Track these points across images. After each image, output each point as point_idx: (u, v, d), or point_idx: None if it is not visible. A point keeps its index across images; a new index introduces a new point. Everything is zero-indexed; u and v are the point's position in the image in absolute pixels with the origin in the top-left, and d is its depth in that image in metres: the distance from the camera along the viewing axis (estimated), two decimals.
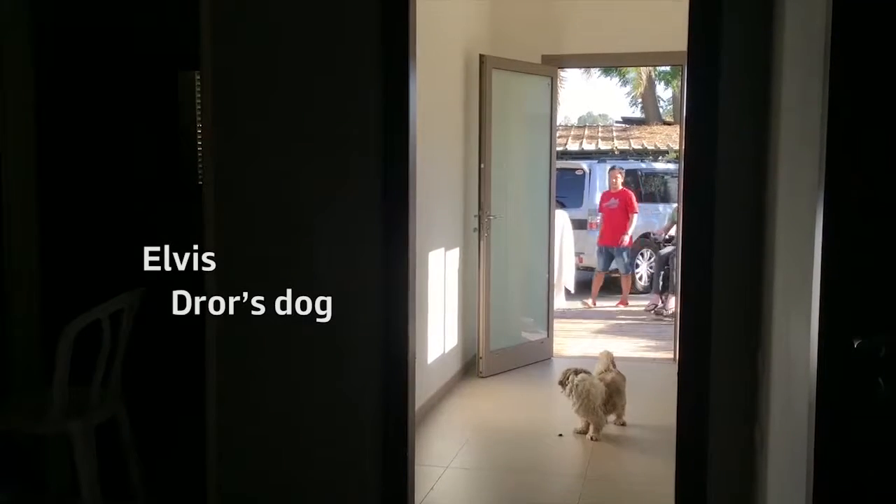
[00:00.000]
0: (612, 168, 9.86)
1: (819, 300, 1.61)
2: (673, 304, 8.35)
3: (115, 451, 3.22)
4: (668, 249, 8.83)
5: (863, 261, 1.58)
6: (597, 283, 9.31)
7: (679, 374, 2.89)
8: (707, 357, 2.80)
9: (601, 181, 10.41)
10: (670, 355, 6.31)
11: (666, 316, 8.38)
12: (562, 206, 9.13)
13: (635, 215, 9.14)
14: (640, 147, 14.57)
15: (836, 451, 1.60)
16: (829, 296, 1.59)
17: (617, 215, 9.09)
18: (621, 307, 9.14)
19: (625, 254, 9.23)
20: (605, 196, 9.43)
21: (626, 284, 9.34)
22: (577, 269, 9.64)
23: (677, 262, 8.27)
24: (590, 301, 9.18)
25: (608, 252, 9.23)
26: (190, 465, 3.19)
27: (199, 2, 3.00)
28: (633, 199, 9.26)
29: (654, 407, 4.86)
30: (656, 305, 8.78)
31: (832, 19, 1.57)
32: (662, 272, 8.91)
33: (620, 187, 9.24)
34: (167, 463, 3.42)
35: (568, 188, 9.97)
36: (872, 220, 1.57)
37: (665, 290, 8.79)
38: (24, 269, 3.45)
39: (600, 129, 16.67)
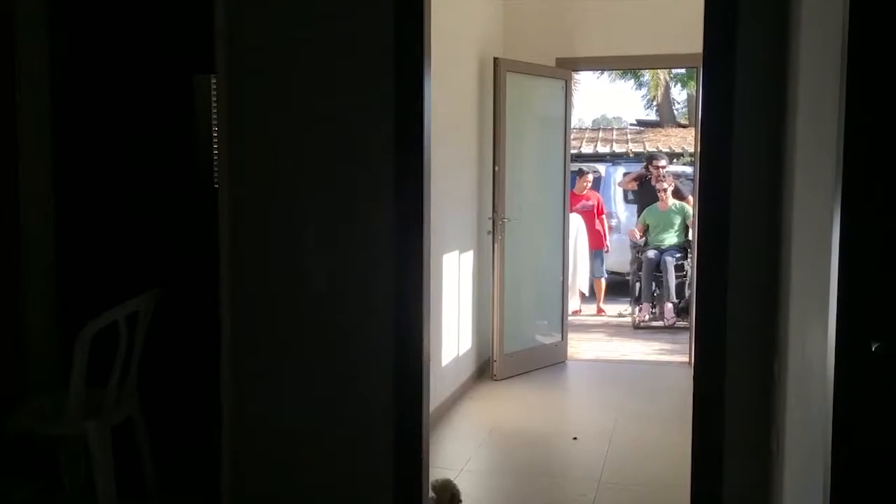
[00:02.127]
0: (581, 171, 9.11)
1: (836, 303, 1.60)
2: (668, 312, 7.84)
3: (130, 451, 3.24)
4: (652, 253, 8.03)
5: (880, 263, 1.57)
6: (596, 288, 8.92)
7: (694, 377, 2.88)
8: (723, 361, 2.79)
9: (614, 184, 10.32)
10: (686, 359, 6.28)
11: (667, 326, 7.81)
12: None
13: (605, 217, 8.89)
14: (654, 150, 14.52)
15: (853, 454, 1.59)
16: (847, 299, 1.58)
17: (592, 218, 8.73)
18: (602, 315, 8.66)
19: (602, 257, 8.82)
20: (578, 199, 8.66)
21: (599, 289, 8.88)
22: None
23: (670, 266, 7.87)
24: (594, 307, 8.93)
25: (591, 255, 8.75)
26: (204, 465, 3.21)
27: (214, 5, 3.02)
28: (602, 202, 9.07)
29: (668, 411, 4.85)
30: (646, 316, 7.99)
31: (849, 20, 1.56)
32: (653, 278, 8.03)
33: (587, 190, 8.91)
34: (182, 463, 3.44)
35: None
36: (890, 223, 1.56)
37: (659, 299, 7.98)
38: (41, 270, 3.49)
39: (615, 132, 16.62)
